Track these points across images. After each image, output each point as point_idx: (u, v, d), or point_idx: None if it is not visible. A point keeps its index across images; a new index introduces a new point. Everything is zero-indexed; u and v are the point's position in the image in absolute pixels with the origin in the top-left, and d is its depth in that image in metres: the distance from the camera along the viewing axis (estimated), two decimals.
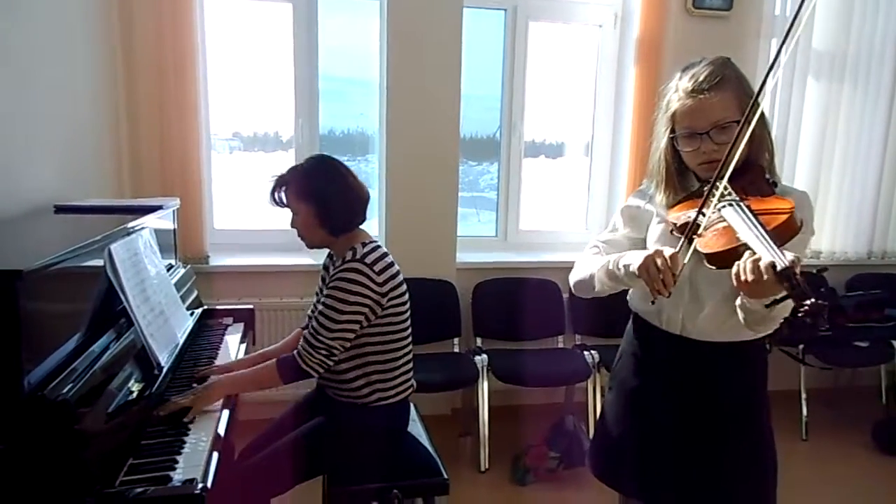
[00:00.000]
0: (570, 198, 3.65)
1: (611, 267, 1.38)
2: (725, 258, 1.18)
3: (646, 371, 1.49)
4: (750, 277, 1.09)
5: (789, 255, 1.04)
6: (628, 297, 1.58)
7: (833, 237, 3.66)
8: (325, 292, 1.74)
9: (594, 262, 1.45)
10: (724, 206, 1.25)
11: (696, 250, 1.26)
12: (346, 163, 1.84)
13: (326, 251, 1.94)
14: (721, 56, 1.37)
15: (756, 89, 1.26)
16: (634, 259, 1.29)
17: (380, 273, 1.72)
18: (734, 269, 1.13)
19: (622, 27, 3.38)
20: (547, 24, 3.39)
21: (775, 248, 1.07)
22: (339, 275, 1.71)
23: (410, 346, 1.87)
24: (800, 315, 0.99)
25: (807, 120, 3.54)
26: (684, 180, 1.43)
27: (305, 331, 1.76)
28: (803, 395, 3.31)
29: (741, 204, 1.23)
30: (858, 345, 3.33)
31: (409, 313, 1.84)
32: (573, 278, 1.53)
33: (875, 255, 3.75)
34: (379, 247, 1.80)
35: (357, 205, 1.81)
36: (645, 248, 1.44)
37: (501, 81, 3.38)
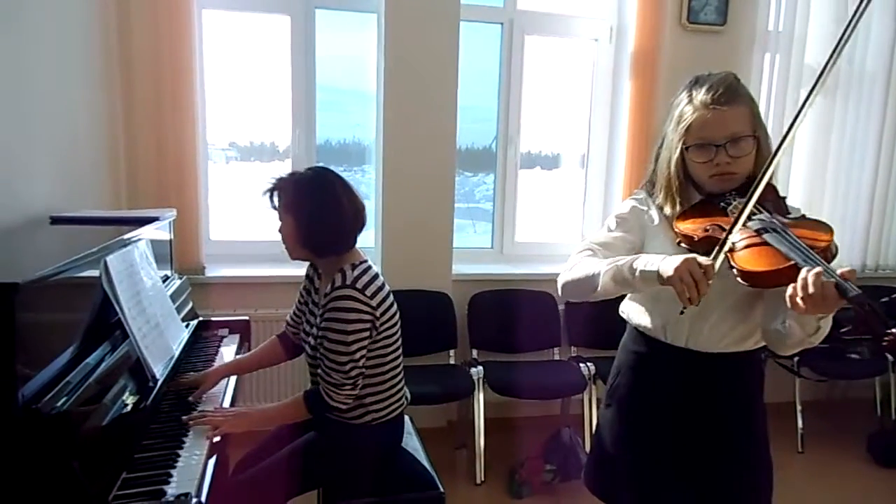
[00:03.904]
0: (565, 209, 3.66)
1: (620, 269, 1.31)
2: (767, 278, 1.20)
3: (647, 386, 1.49)
4: (812, 290, 1.10)
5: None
6: (621, 311, 1.57)
7: None
8: (322, 325, 1.68)
9: (594, 263, 1.37)
10: (763, 231, 1.28)
11: (730, 267, 1.26)
12: (342, 174, 1.77)
13: None
14: (729, 72, 1.39)
15: (797, 110, 1.29)
16: (658, 263, 1.24)
17: (372, 296, 1.68)
18: (792, 287, 1.13)
19: (617, 41, 3.41)
20: (543, 38, 3.41)
21: (833, 271, 1.10)
22: (332, 304, 1.66)
23: (401, 362, 1.84)
24: (884, 344, 1.04)
25: (800, 134, 3.56)
26: (686, 192, 1.44)
27: (319, 370, 1.70)
28: (799, 408, 3.32)
29: (786, 230, 1.26)
30: (853, 356, 3.34)
31: (399, 332, 1.81)
32: (566, 278, 1.44)
33: (869, 268, 3.77)
34: (369, 267, 1.74)
35: (344, 229, 1.72)
36: (642, 253, 1.41)
37: (498, 93, 3.39)
